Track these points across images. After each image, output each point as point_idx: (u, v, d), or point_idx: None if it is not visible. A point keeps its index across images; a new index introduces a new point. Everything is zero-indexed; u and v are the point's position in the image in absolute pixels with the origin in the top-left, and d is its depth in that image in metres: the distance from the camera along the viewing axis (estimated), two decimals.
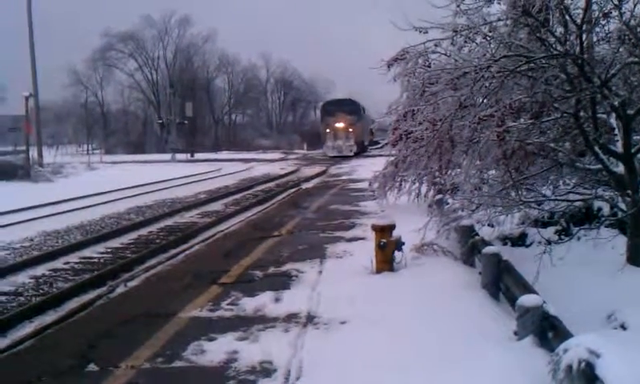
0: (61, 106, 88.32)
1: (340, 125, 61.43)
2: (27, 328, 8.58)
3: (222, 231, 15.49)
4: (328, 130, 62.21)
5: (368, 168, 26.47)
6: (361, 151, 63.80)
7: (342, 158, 56.43)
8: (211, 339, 7.17)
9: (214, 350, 6.81)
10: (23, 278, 11.53)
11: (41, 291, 10.60)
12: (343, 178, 32.62)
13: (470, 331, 6.61)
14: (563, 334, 5.31)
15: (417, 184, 16.76)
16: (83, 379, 6.28)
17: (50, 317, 8.99)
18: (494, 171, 10.30)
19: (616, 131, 9.11)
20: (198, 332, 7.42)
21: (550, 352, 5.27)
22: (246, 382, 6.02)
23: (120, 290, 9.94)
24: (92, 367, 6.49)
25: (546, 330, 5.74)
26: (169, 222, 18.71)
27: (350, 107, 63.24)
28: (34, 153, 39.80)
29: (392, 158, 17.42)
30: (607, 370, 4.15)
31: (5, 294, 10.48)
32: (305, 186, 28.18)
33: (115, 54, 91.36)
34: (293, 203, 21.38)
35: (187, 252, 12.91)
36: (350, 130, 61.42)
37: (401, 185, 17.51)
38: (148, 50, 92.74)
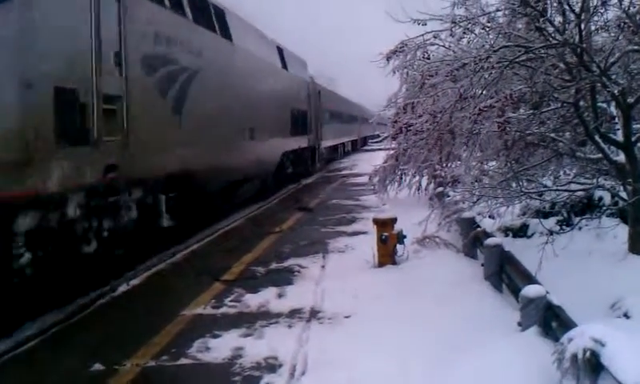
0: None
1: None
2: (30, 329, 8.54)
3: (222, 228, 15.46)
4: None
5: (368, 162, 26.51)
6: None
7: None
8: (216, 336, 7.19)
9: (218, 347, 6.82)
10: None
11: None
12: (343, 172, 32.58)
13: (474, 323, 6.62)
14: (567, 324, 5.31)
15: (417, 177, 16.77)
16: (89, 378, 6.28)
17: (53, 316, 8.96)
18: (494, 163, 10.29)
19: (616, 120, 9.09)
20: (203, 329, 7.43)
21: (555, 342, 5.27)
22: (252, 378, 6.03)
23: (122, 288, 9.91)
24: (98, 366, 6.49)
25: (550, 320, 5.73)
26: None
27: None
28: None
29: (392, 152, 17.44)
30: (612, 358, 4.16)
31: None
32: (304, 181, 28.12)
33: None
34: (293, 198, 21.37)
35: (188, 249, 12.88)
36: None
37: (401, 178, 17.54)
38: None
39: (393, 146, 17.05)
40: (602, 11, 9.07)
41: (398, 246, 9.96)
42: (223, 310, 8.30)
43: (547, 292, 5.95)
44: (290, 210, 17.96)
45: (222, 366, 6.36)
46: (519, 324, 6.10)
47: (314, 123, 30.10)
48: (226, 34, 15.42)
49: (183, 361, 6.55)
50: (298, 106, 26.10)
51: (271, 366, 6.29)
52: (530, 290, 5.95)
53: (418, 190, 16.92)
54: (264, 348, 6.72)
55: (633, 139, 8.83)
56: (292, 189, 24.97)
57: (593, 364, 4.29)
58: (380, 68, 10.29)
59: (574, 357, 4.47)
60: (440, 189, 14.31)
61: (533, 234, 10.52)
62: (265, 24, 21.61)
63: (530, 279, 6.74)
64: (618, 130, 9.02)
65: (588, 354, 4.34)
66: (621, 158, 8.91)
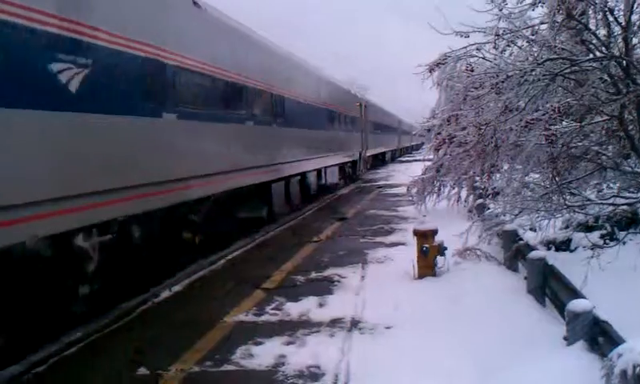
0: None
1: None
2: (75, 334, 8.68)
3: (262, 236, 15.54)
4: None
5: (404, 173, 26.51)
6: None
7: None
8: (258, 343, 7.26)
9: (261, 354, 6.89)
10: None
11: None
12: (379, 183, 32.53)
13: (519, 337, 6.57)
14: (615, 339, 5.25)
15: (456, 189, 16.70)
16: (135, 382, 6.39)
17: (97, 322, 9.10)
18: (536, 175, 10.22)
19: None
20: (245, 336, 7.51)
21: (602, 357, 5.24)
22: None
23: (164, 294, 10.02)
24: (142, 371, 6.60)
25: (597, 335, 5.68)
26: None
27: None
28: None
29: (430, 163, 17.42)
30: None
31: None
32: (340, 192, 28.12)
33: None
34: (330, 208, 21.41)
35: (228, 257, 12.98)
36: None
37: (440, 189, 17.46)
38: None
39: (429, 157, 17.05)
40: None
41: (439, 258, 9.93)
42: (265, 317, 8.37)
43: (594, 307, 5.90)
44: (328, 220, 18.00)
45: (266, 374, 6.42)
46: (565, 338, 6.05)
47: None
48: None
49: (227, 367, 6.62)
50: None
51: (314, 374, 6.33)
52: (576, 305, 5.91)
53: (458, 201, 16.85)
54: (306, 356, 6.76)
55: None
56: (329, 198, 24.98)
57: None
58: (422, 80, 10.21)
59: (624, 373, 4.43)
60: (480, 201, 14.24)
61: (576, 248, 10.40)
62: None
63: (576, 294, 6.67)
64: None
65: (638, 369, 4.30)
66: None
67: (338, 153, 27.25)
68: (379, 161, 48.22)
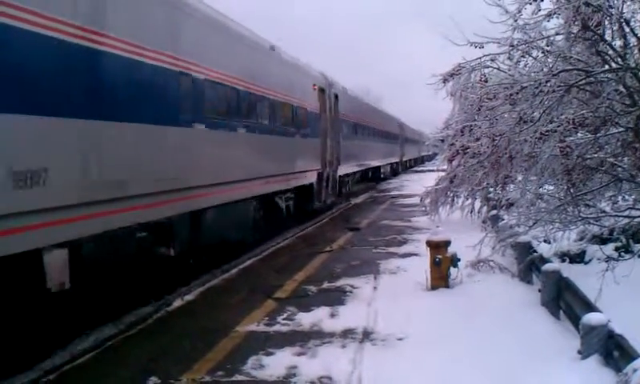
0: None
1: None
2: (86, 342, 8.68)
3: (274, 245, 15.51)
4: None
5: (417, 183, 26.42)
6: None
7: None
8: (269, 354, 7.23)
9: (272, 365, 6.86)
10: None
11: None
12: (392, 193, 32.46)
13: (532, 350, 6.51)
14: (630, 354, 5.20)
15: (470, 199, 16.64)
16: None
17: (108, 330, 9.10)
18: (552, 187, 10.15)
19: None
20: (256, 346, 7.49)
21: (617, 372, 5.19)
22: None
23: (177, 303, 10.02)
24: (154, 379, 6.59)
25: (612, 349, 5.63)
26: None
27: None
28: None
29: (444, 174, 17.39)
30: None
31: None
32: (354, 201, 28.06)
33: None
34: (343, 218, 21.39)
35: (241, 266, 12.96)
36: None
37: (453, 200, 17.41)
38: None
39: (443, 168, 17.01)
40: None
41: (452, 269, 9.87)
42: (276, 327, 8.35)
43: (609, 320, 5.84)
44: (340, 230, 17.96)
45: None
46: (579, 352, 5.99)
47: None
48: None
49: (238, 377, 6.61)
50: None
51: None
52: (591, 318, 5.86)
53: (471, 212, 16.79)
54: (318, 367, 6.72)
55: None
56: (342, 208, 24.96)
57: None
58: (435, 90, 10.19)
59: None
60: (494, 212, 14.17)
61: (590, 261, 10.33)
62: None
63: (590, 307, 6.61)
64: None
65: None
66: None
67: (251, 177, 13.96)
68: (370, 179, 36.62)
